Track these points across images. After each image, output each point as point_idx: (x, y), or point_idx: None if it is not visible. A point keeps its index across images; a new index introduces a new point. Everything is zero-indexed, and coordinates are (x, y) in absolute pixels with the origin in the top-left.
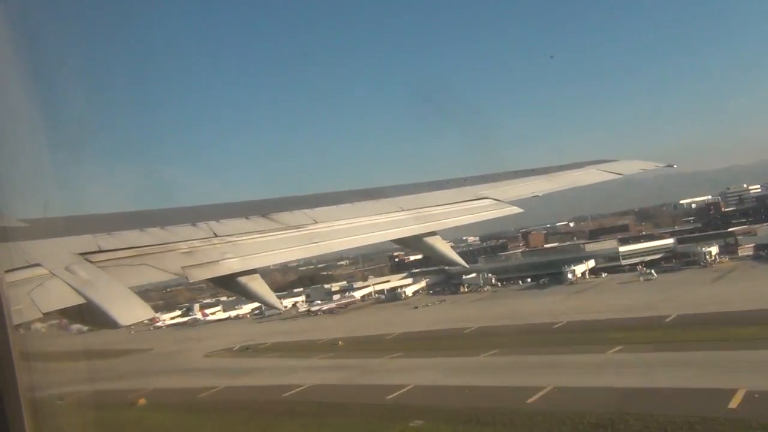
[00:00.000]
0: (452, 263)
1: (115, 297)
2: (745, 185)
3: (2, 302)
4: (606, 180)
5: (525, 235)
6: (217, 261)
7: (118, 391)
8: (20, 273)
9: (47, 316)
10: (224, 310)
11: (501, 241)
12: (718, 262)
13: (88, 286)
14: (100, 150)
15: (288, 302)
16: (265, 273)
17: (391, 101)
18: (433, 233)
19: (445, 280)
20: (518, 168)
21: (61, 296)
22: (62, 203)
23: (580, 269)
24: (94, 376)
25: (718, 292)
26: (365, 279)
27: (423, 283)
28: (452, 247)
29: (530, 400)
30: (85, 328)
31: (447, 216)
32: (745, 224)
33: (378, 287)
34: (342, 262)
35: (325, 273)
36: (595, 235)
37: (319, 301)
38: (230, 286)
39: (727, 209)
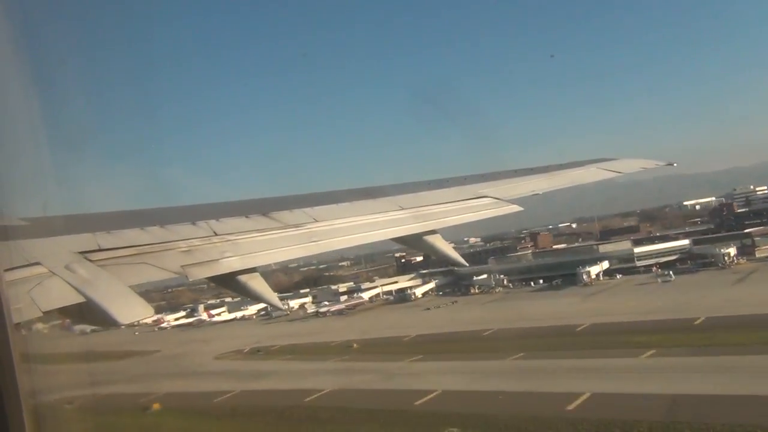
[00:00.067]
0: (453, 262)
1: (115, 295)
2: (752, 186)
3: (2, 301)
4: (606, 178)
5: (533, 236)
6: (217, 260)
7: (129, 394)
8: (20, 272)
9: (48, 316)
10: (229, 311)
11: (506, 242)
12: (736, 264)
13: (87, 285)
14: (99, 149)
15: (295, 303)
16: (269, 274)
17: (391, 101)
18: (433, 232)
19: (454, 281)
20: (518, 168)
21: (60, 295)
22: (62, 202)
23: (594, 270)
24: (101, 378)
25: (743, 294)
26: (371, 280)
27: (432, 284)
28: (454, 247)
29: (570, 407)
30: (89, 329)
31: (447, 215)
32: (760, 225)
33: (386, 288)
34: (343, 263)
35: (327, 274)
36: (605, 236)
37: (326, 303)
38: (230, 284)
39: (740, 210)
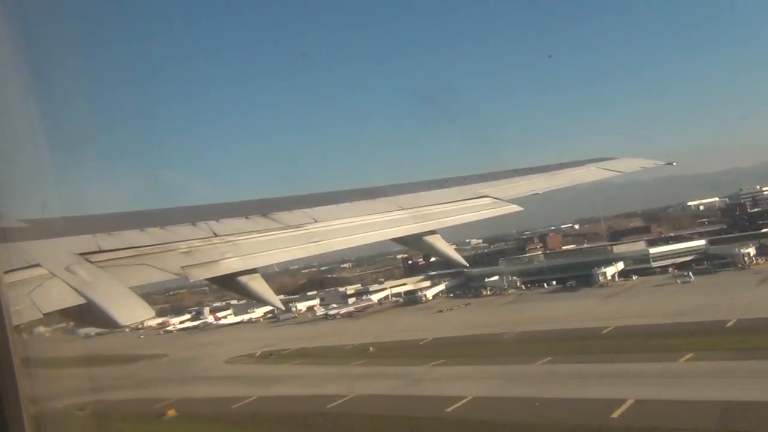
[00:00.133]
0: (453, 262)
1: (115, 297)
2: (758, 186)
3: (2, 303)
4: (606, 178)
5: (542, 238)
6: (217, 260)
7: (141, 400)
8: (20, 273)
9: (51, 319)
10: (236, 314)
11: (509, 243)
12: (755, 264)
13: (88, 286)
14: (99, 150)
15: (302, 306)
16: (272, 276)
17: (391, 102)
18: (432, 232)
19: (464, 282)
20: (518, 167)
21: (61, 296)
22: (62, 204)
23: (610, 272)
24: (110, 383)
25: None
26: (380, 282)
27: (442, 286)
28: (456, 249)
29: (614, 415)
30: (93, 333)
31: (446, 215)
32: None
33: (395, 290)
34: (345, 265)
35: (332, 276)
36: (615, 236)
37: (335, 305)
38: (230, 285)
39: (753, 210)
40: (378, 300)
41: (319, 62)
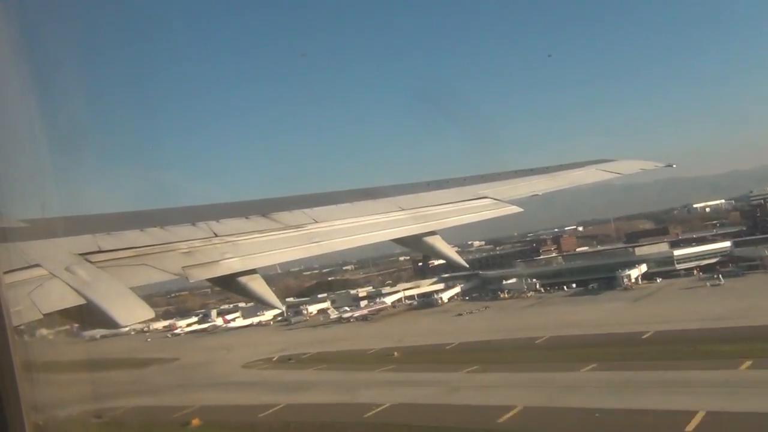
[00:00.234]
0: (453, 263)
1: (115, 297)
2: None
3: (2, 304)
4: (606, 179)
5: (556, 239)
6: (217, 261)
7: (160, 407)
8: (20, 274)
9: (54, 321)
10: (244, 317)
11: (516, 245)
12: None
13: (88, 287)
14: (99, 150)
15: (313, 308)
16: (276, 278)
17: (391, 102)
18: (432, 233)
19: (479, 285)
20: (518, 169)
21: (61, 297)
22: (62, 204)
23: (633, 274)
24: (124, 389)
25: None
26: (388, 284)
27: (458, 289)
28: (458, 251)
29: (689, 428)
30: (98, 335)
31: (446, 215)
32: None
33: (408, 293)
34: (347, 267)
35: (340, 278)
36: (633, 238)
37: (347, 308)
38: (231, 286)
39: None
40: (391, 303)
41: (320, 63)
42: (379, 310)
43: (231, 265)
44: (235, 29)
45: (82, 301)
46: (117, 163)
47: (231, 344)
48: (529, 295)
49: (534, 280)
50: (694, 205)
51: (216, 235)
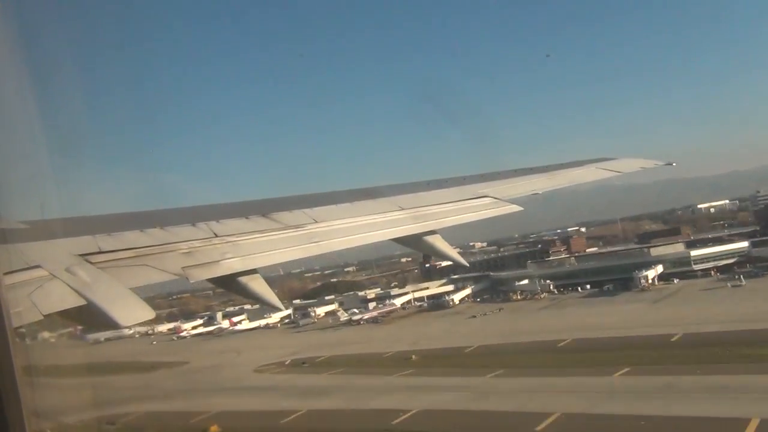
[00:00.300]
0: (454, 262)
1: (116, 298)
2: None
3: (2, 305)
4: (606, 178)
5: (566, 240)
6: (218, 261)
7: (175, 413)
8: (20, 275)
9: (56, 323)
10: (250, 319)
11: (520, 246)
12: None
13: (88, 287)
14: (99, 151)
15: (321, 310)
16: (278, 280)
17: (391, 102)
18: (432, 232)
19: (490, 286)
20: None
21: (61, 298)
22: (62, 205)
23: (650, 275)
24: (135, 394)
25: None
26: (394, 286)
27: (469, 290)
28: (460, 253)
29: None
30: (102, 338)
31: (446, 215)
32: None
33: (417, 294)
34: (349, 268)
35: (345, 279)
36: (645, 239)
37: (356, 310)
38: (231, 286)
39: None
40: (401, 304)
41: (320, 63)
42: (389, 311)
43: (231, 265)
44: (235, 30)
45: (82, 302)
46: (117, 164)
47: (239, 347)
48: (542, 296)
49: (547, 281)
50: (698, 206)
51: (216, 236)
